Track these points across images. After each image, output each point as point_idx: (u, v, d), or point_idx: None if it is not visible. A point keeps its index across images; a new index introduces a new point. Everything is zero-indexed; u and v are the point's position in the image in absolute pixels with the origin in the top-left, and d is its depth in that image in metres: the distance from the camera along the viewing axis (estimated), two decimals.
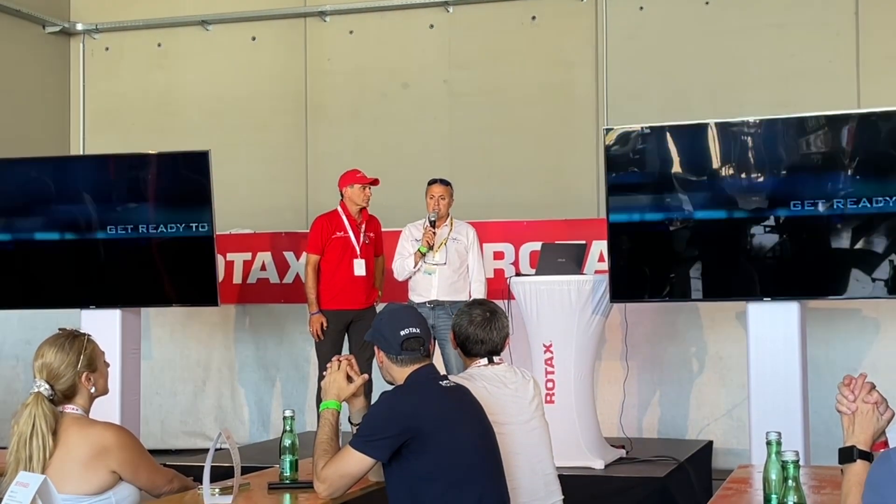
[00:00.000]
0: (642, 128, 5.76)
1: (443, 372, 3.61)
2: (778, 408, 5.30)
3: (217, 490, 3.25)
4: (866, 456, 2.37)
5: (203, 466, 3.21)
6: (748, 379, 5.50)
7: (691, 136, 5.61)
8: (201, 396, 7.81)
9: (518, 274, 6.34)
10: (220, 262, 7.27)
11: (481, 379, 3.59)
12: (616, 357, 6.71)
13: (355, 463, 3.17)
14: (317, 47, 9.33)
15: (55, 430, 3.04)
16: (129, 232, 6.43)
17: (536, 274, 5.94)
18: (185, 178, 6.43)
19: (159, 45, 9.70)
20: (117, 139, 9.44)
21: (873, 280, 5.29)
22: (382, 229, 6.75)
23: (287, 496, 3.39)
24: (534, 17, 8.78)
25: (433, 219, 6.34)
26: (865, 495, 2.15)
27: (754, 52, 8.27)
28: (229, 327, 7.83)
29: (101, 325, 6.06)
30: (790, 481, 2.56)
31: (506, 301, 5.95)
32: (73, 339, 3.16)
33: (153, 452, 3.32)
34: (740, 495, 3.26)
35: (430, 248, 6.32)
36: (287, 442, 3.54)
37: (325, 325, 6.46)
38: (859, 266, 5.31)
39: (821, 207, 5.34)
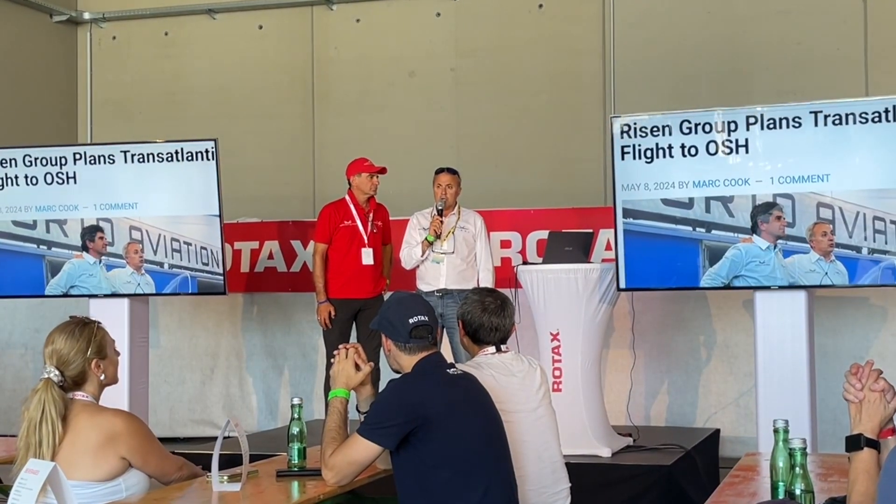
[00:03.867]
0: (649, 116, 5.74)
1: (450, 360, 3.62)
2: (785, 396, 5.29)
3: (225, 477, 3.27)
4: (873, 444, 2.37)
5: (211, 454, 3.23)
6: (755, 367, 5.50)
7: (698, 124, 5.58)
8: (209, 385, 7.84)
9: (525, 262, 6.34)
10: (228, 250, 7.28)
11: (489, 367, 3.60)
12: (623, 345, 6.71)
13: (363, 450, 3.18)
14: (323, 36, 9.33)
15: (65, 416, 3.06)
16: (137, 221, 6.49)
17: (543, 262, 5.95)
18: (192, 166, 6.44)
19: (166, 33, 9.71)
20: (124, 128, 9.45)
21: (881, 268, 5.28)
22: (390, 218, 6.75)
23: (295, 483, 3.40)
24: (540, 6, 8.76)
25: (440, 207, 6.34)
26: (882, 482, 2.15)
27: (762, 39, 8.24)
28: (237, 316, 7.85)
29: (110, 314, 6.08)
30: (797, 469, 2.57)
31: (513, 289, 5.95)
32: (83, 327, 3.18)
33: (161, 441, 3.34)
34: (747, 483, 3.26)
35: (438, 236, 6.32)
36: (295, 430, 3.55)
37: (332, 313, 6.47)
38: (867, 254, 5.29)
39: (829, 195, 5.32)
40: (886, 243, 5.21)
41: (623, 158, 5.63)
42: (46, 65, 9.63)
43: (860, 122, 5.22)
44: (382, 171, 6.55)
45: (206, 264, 6.39)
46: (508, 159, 8.77)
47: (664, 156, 5.56)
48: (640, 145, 5.61)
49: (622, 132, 5.66)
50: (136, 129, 9.30)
